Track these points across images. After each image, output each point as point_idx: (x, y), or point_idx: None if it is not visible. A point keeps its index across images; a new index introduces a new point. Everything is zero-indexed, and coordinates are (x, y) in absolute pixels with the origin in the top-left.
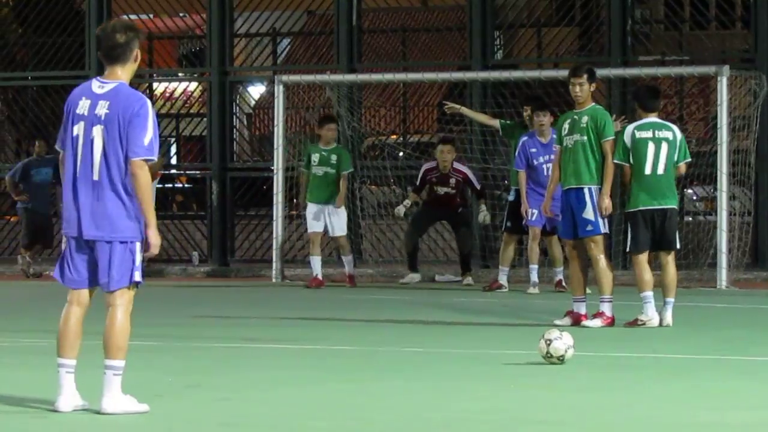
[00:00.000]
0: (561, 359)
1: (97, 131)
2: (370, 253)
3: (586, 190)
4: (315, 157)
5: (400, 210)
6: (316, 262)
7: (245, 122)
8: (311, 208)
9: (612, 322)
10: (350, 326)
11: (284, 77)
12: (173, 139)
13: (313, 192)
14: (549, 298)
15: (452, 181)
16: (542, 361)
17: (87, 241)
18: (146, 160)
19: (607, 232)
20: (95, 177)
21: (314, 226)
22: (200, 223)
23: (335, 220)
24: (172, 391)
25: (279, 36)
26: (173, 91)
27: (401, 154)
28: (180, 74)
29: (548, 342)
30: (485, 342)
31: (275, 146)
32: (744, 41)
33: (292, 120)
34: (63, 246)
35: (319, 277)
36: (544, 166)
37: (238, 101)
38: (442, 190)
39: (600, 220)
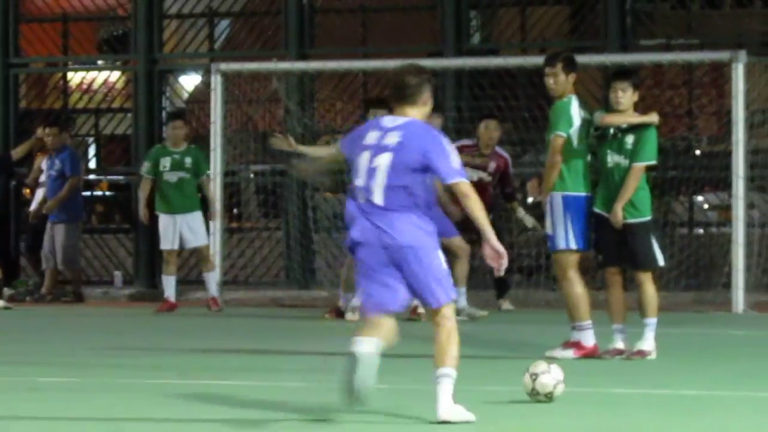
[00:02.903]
0: (549, 396)
1: (383, 158)
2: (325, 272)
3: (548, 199)
4: (165, 162)
5: None
6: (169, 282)
7: None
8: (164, 221)
9: (591, 353)
10: (302, 359)
11: (223, 65)
12: (92, 139)
13: (166, 202)
14: (534, 324)
15: None
16: (527, 398)
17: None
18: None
19: (572, 248)
20: (378, 202)
21: (168, 243)
22: (124, 237)
23: (192, 228)
24: None
25: (216, 17)
26: (92, 82)
27: None
28: (100, 62)
29: (534, 377)
30: (462, 377)
31: (212, 147)
32: (764, 22)
33: (233, 116)
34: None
35: (172, 299)
36: None
37: (168, 94)
38: None
39: (559, 236)
